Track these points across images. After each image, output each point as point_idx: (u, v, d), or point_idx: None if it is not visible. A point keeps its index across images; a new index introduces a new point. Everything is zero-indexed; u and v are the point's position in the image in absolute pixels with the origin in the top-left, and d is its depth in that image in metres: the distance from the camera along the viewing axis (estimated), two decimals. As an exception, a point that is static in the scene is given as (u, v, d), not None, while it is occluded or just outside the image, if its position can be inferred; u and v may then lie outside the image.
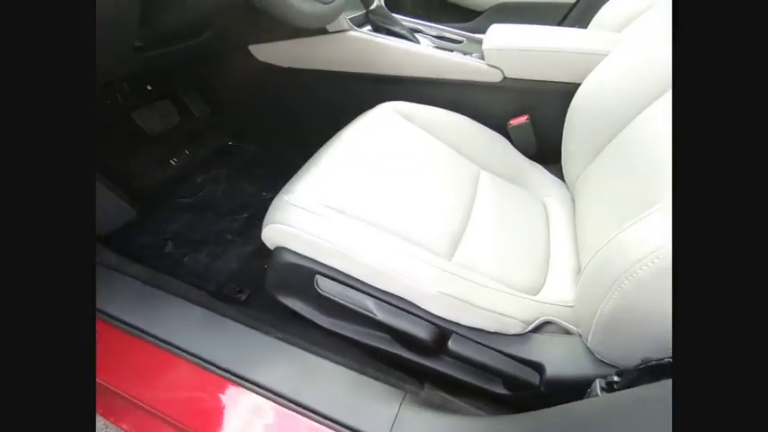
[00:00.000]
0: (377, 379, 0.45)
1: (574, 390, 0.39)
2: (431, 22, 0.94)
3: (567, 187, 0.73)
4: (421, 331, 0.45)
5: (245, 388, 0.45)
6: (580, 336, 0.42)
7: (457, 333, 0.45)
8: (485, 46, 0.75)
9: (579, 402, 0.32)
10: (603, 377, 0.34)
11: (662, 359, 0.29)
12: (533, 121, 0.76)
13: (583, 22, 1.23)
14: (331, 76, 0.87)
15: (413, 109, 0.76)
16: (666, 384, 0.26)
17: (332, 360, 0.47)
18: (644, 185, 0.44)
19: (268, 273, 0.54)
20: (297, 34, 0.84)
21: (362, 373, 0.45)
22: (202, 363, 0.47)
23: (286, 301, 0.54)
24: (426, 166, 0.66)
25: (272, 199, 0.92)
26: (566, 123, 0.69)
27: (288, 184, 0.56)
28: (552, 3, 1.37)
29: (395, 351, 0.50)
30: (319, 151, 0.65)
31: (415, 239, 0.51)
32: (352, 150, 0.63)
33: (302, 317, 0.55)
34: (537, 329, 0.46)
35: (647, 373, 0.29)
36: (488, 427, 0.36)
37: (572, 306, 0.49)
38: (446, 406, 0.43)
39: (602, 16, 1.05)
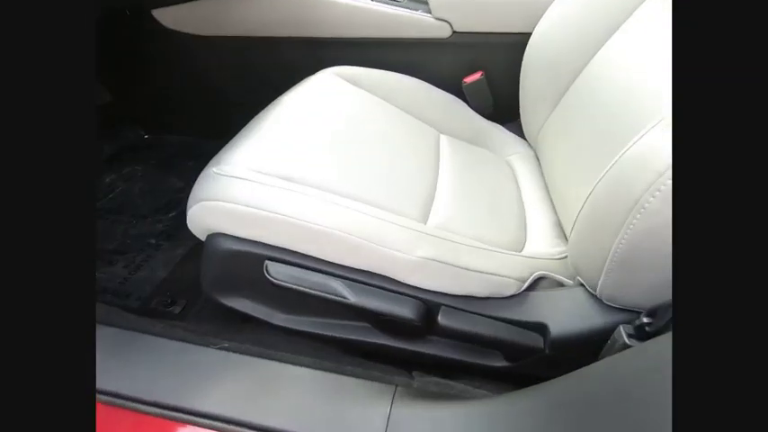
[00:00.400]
0: (357, 376, 0.36)
1: (584, 347, 0.34)
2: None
3: (529, 144, 0.70)
4: (405, 310, 0.37)
5: (186, 422, 0.33)
6: (582, 285, 0.38)
7: (446, 305, 0.38)
8: (430, -3, 0.69)
9: (611, 358, 0.27)
10: (628, 323, 0.28)
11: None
12: (488, 76, 0.71)
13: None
14: (258, 42, 0.76)
15: (358, 72, 0.67)
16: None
17: (297, 364, 0.37)
18: (623, 117, 0.40)
19: (203, 270, 0.42)
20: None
21: (338, 372, 0.36)
22: (119, 401, 0.34)
23: (230, 301, 0.43)
24: (382, 131, 0.58)
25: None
26: (521, 77, 0.66)
27: (215, 157, 0.45)
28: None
29: (374, 341, 0.42)
30: (254, 119, 0.54)
31: (383, 204, 0.43)
32: (294, 115, 0.53)
33: (255, 320, 0.44)
34: (531, 288, 0.41)
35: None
36: (506, 407, 0.30)
37: (561, 258, 0.45)
38: (445, 392, 0.36)
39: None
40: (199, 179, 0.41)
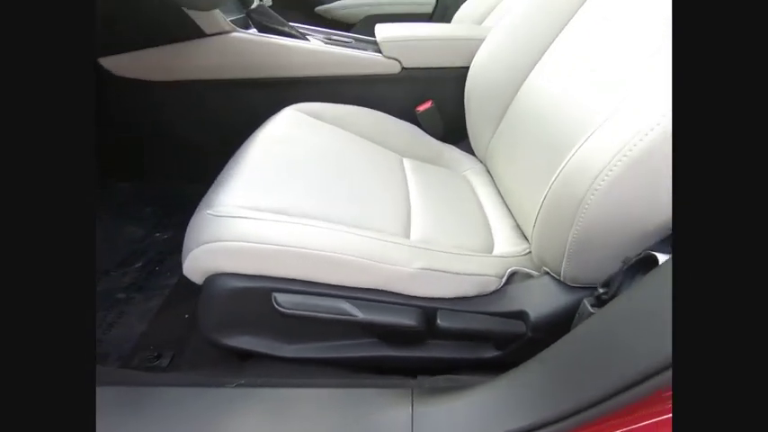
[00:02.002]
0: (372, 387, 0.39)
1: (558, 324, 0.41)
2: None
3: (479, 160, 0.80)
4: (407, 318, 0.42)
5: None
6: (547, 274, 0.45)
7: (443, 308, 0.43)
8: (380, 39, 0.77)
9: (580, 325, 0.33)
10: (589, 296, 0.36)
11: (639, 253, 0.32)
12: (437, 104, 0.81)
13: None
14: (215, 84, 0.77)
15: (320, 108, 0.72)
16: (656, 271, 0.29)
17: (313, 386, 0.39)
18: (563, 129, 0.50)
19: (201, 313, 0.42)
20: (162, 41, 0.71)
21: (354, 386, 0.39)
22: None
23: (234, 341, 0.44)
24: (353, 159, 0.63)
25: (170, 240, 0.75)
26: (465, 103, 0.76)
27: (203, 201, 0.46)
28: (413, 13, 1.54)
29: (380, 353, 0.45)
30: (230, 162, 0.55)
31: (371, 226, 0.47)
32: (271, 152, 0.56)
33: (254, 356, 0.45)
34: (508, 282, 0.47)
35: (632, 270, 0.32)
36: (510, 384, 0.35)
37: (526, 254, 0.53)
38: (455, 386, 0.40)
39: (460, 17, 1.21)
40: (193, 224, 0.42)
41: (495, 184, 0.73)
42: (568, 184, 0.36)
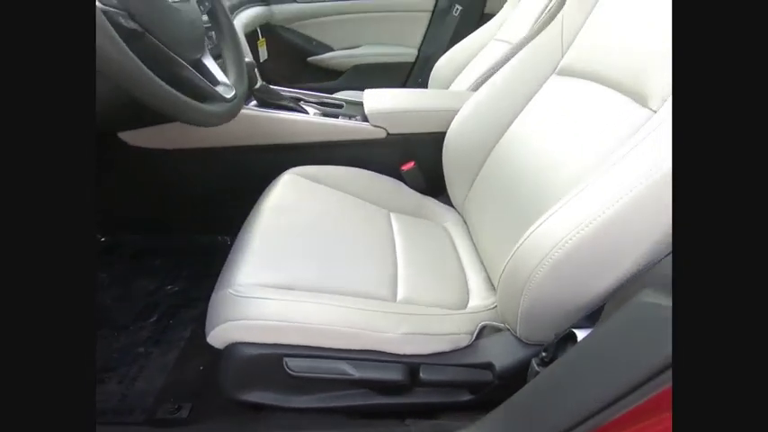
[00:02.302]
0: None
1: (520, 373, 0.51)
2: (300, 84, 1.04)
3: (458, 212, 0.90)
4: (395, 374, 0.51)
5: None
6: (508, 329, 0.55)
7: (424, 363, 0.52)
8: (367, 110, 0.88)
9: (536, 379, 0.43)
10: (536, 355, 0.46)
11: (566, 330, 0.42)
12: (419, 164, 0.92)
13: (423, 77, 1.54)
14: (223, 150, 0.87)
15: (315, 171, 0.83)
16: (578, 346, 0.38)
17: None
18: (527, 196, 0.60)
19: (222, 374, 0.51)
20: (172, 119, 0.81)
21: None
22: None
23: (249, 396, 0.52)
24: (346, 219, 0.72)
25: (180, 292, 0.84)
26: (443, 164, 0.87)
27: (224, 276, 0.55)
28: (396, 63, 1.69)
29: (373, 402, 0.54)
30: (242, 233, 0.64)
31: (363, 292, 0.57)
32: (277, 224, 0.65)
33: (266, 406, 0.53)
34: (478, 336, 0.57)
35: (561, 341, 0.42)
36: (489, 427, 0.43)
37: (494, 308, 0.62)
38: (439, 430, 0.49)
39: (436, 74, 1.36)
40: (217, 301, 0.51)
41: (471, 236, 0.83)
42: (523, 257, 0.46)
